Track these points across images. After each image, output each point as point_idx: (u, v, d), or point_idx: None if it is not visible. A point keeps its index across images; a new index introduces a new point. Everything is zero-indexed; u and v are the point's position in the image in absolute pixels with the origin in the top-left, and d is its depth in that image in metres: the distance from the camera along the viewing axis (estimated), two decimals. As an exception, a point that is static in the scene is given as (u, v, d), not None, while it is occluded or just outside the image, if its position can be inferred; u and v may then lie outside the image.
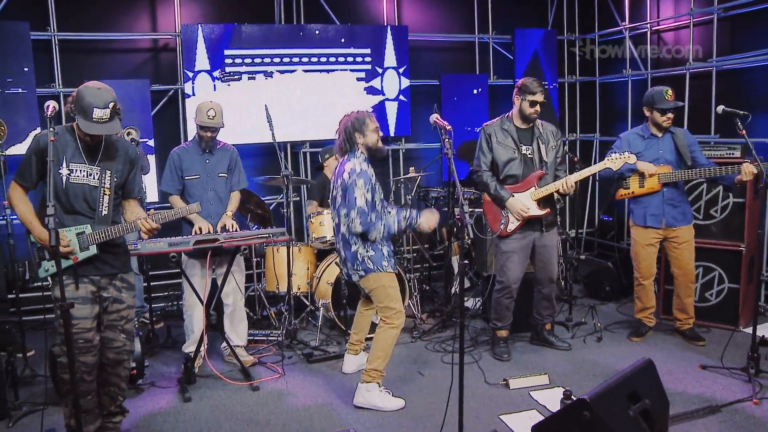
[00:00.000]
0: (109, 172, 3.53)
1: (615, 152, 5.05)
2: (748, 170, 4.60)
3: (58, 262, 2.85)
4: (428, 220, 4.27)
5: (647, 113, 5.12)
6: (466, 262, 3.51)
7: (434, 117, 3.87)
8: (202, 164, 4.93)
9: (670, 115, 5.02)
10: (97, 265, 3.56)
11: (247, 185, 5.24)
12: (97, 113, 3.29)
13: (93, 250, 3.47)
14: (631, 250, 5.36)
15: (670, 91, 5.01)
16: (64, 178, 3.43)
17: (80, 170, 3.47)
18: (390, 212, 4.30)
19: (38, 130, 5.44)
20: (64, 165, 3.42)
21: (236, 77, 6.58)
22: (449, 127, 3.71)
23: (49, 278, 3.50)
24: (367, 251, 4.24)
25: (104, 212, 3.52)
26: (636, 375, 3.59)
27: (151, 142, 6.37)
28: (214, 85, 6.54)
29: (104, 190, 3.50)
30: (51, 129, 3.00)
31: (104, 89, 3.39)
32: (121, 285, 3.67)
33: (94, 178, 3.49)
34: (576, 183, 4.83)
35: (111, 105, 3.35)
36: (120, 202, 3.71)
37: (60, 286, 2.89)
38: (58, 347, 3.54)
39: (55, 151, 3.35)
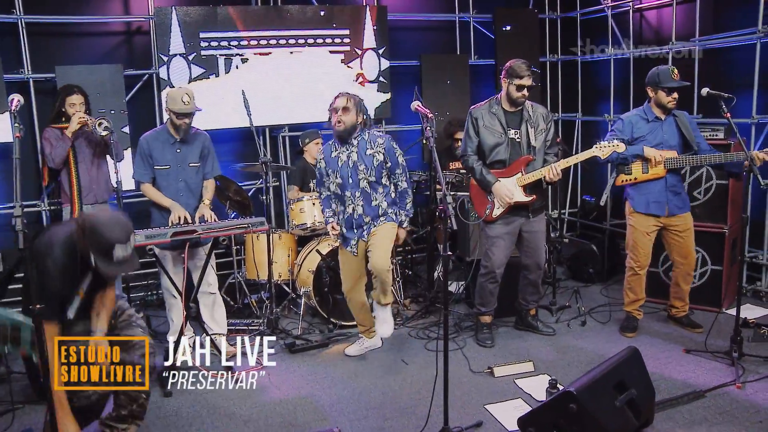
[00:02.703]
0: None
1: (615, 134, 4.93)
2: (759, 157, 4.44)
3: (29, 270, 2.71)
4: None
5: (651, 93, 4.89)
6: (450, 254, 3.42)
7: (416, 104, 3.78)
8: (173, 154, 4.79)
9: (676, 95, 4.80)
10: None
11: (220, 172, 5.12)
12: (120, 251, 2.92)
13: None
14: (627, 238, 5.16)
15: (676, 71, 4.80)
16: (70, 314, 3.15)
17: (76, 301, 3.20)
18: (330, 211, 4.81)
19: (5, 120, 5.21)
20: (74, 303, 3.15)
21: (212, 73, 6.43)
22: (431, 115, 3.61)
23: None
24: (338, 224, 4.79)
25: (70, 316, 3.22)
26: (622, 364, 3.57)
27: (126, 129, 6.19)
28: (190, 69, 6.36)
29: (78, 292, 3.21)
30: (16, 125, 2.86)
31: (118, 217, 3.03)
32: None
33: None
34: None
35: (132, 236, 3.00)
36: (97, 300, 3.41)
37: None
38: None
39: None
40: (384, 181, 4.61)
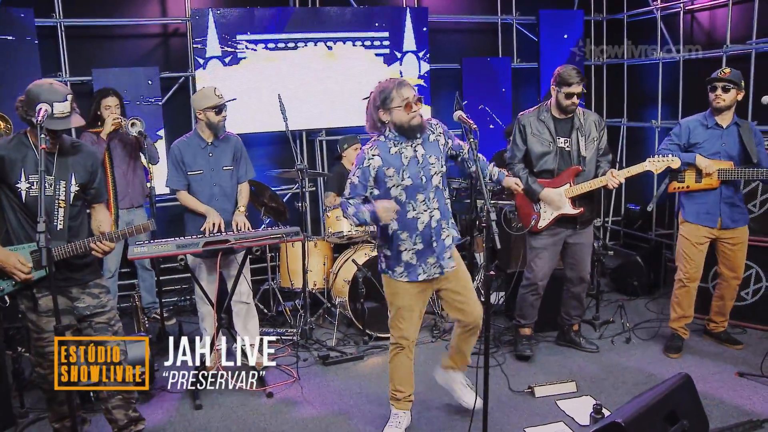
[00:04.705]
0: (64, 182, 3.30)
1: (672, 140, 4.74)
2: None
3: (53, 288, 2.63)
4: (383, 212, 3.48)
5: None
6: (492, 273, 3.23)
7: (459, 114, 3.57)
8: (205, 158, 4.70)
9: (720, 92, 4.52)
10: (66, 274, 3.38)
11: (254, 175, 5.02)
12: (58, 108, 3.10)
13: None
14: (678, 248, 4.93)
15: (726, 69, 4.56)
16: (24, 193, 3.20)
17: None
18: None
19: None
20: (23, 178, 3.19)
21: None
22: (475, 126, 3.42)
23: (6, 297, 3.30)
24: (383, 248, 3.75)
25: (59, 226, 3.30)
26: (673, 393, 3.34)
27: (162, 132, 6.15)
28: (226, 70, 6.28)
29: (59, 203, 3.28)
30: (42, 136, 2.78)
31: (56, 84, 3.21)
32: (99, 291, 3.51)
33: (51, 189, 3.26)
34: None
35: (69, 97, 3.17)
36: (81, 211, 3.48)
37: (54, 307, 2.68)
38: (33, 358, 3.47)
39: (11, 163, 3.17)
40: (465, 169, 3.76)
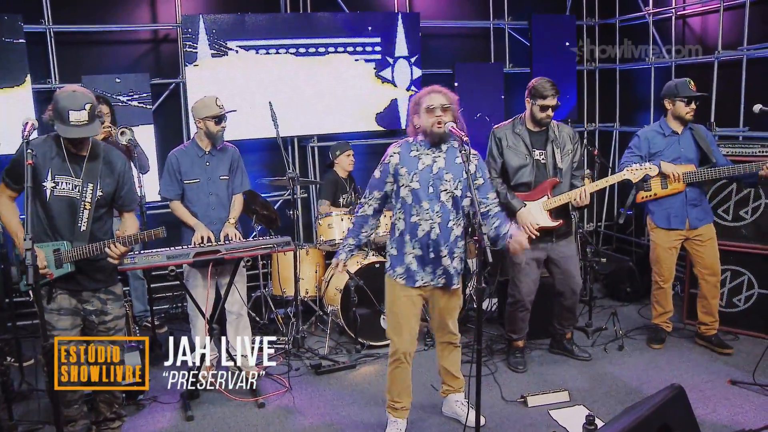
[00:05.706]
0: (91, 185, 3.40)
1: (633, 151, 4.91)
2: None
3: (39, 305, 2.61)
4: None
5: (668, 106, 4.85)
6: (484, 285, 3.22)
7: (449, 125, 3.57)
8: (202, 167, 4.68)
9: (695, 106, 4.78)
10: (79, 280, 3.48)
11: (249, 187, 4.99)
12: (74, 116, 3.19)
13: (68, 267, 3.36)
14: (651, 254, 5.12)
15: (692, 83, 4.79)
16: (48, 192, 3.30)
17: (65, 183, 3.35)
18: (359, 229, 3.90)
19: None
20: (49, 178, 3.29)
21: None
22: (466, 137, 3.41)
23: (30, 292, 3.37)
24: (391, 246, 3.83)
25: (83, 228, 3.39)
26: (666, 405, 3.33)
27: (152, 137, 6.10)
28: (217, 75, 6.24)
29: (84, 204, 3.37)
30: (29, 152, 2.76)
31: (80, 92, 3.31)
32: (106, 297, 3.61)
33: (76, 191, 3.37)
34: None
35: (88, 106, 3.23)
36: (105, 215, 3.59)
37: (41, 322, 2.66)
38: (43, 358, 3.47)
39: (40, 163, 3.25)
40: (465, 203, 3.74)
